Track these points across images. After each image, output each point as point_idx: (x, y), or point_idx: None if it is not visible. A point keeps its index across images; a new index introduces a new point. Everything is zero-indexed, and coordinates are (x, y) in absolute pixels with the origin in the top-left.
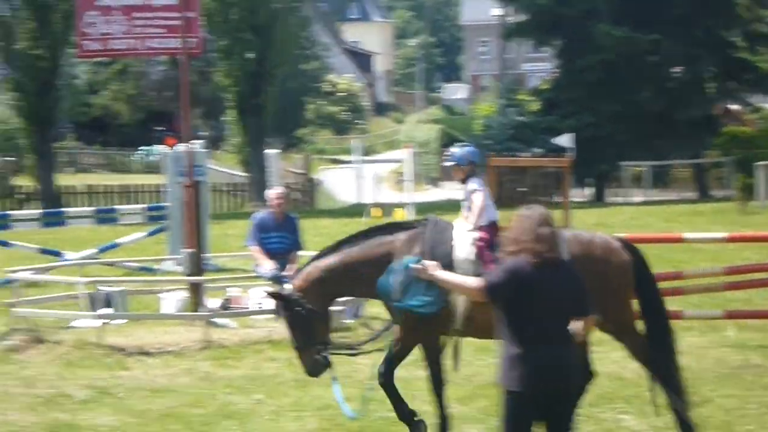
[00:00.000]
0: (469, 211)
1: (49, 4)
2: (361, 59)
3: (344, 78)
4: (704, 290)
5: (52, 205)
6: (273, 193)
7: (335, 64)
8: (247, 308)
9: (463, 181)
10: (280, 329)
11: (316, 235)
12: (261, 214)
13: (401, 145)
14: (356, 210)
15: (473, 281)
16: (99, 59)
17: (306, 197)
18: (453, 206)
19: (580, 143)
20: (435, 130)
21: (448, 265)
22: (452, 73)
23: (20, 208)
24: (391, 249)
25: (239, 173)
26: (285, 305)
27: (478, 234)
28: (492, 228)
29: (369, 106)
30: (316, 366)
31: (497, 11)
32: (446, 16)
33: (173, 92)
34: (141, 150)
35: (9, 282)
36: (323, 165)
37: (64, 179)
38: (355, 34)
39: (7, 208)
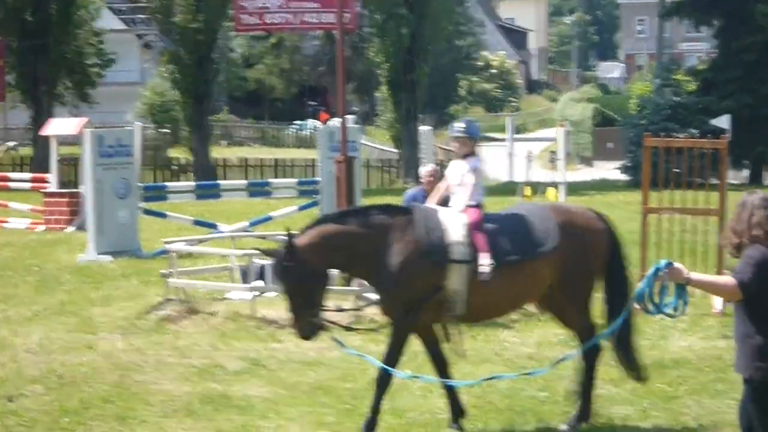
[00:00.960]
0: (460, 188)
1: None
2: (516, 36)
3: (498, 55)
4: None
5: (207, 177)
6: (425, 170)
7: (489, 40)
8: None
9: (465, 156)
10: None
11: None
12: (413, 190)
13: (554, 124)
14: (507, 188)
15: (726, 280)
16: (255, 33)
17: None
18: (606, 186)
19: (737, 124)
20: (589, 109)
21: (444, 250)
22: (607, 52)
23: (175, 180)
24: (390, 231)
25: (391, 149)
26: (284, 263)
27: (466, 216)
28: (478, 209)
29: (522, 84)
30: (310, 329)
31: None
32: None
33: (327, 67)
34: (295, 124)
35: (165, 252)
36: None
37: (219, 152)
38: (509, 10)
39: (163, 179)
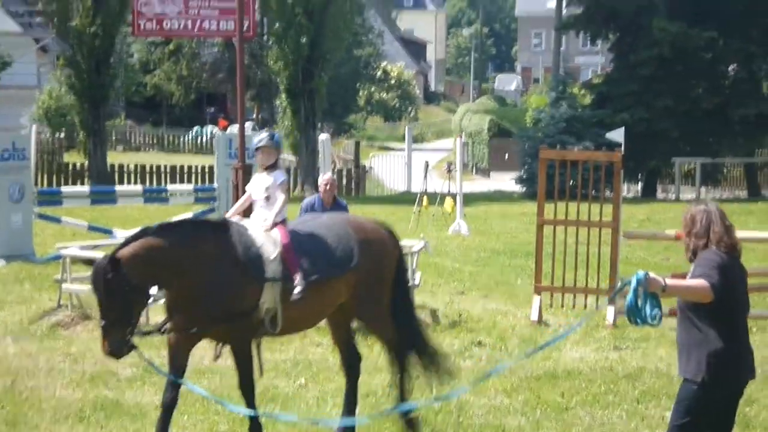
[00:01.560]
0: (268, 204)
1: None
2: (415, 47)
3: (397, 65)
4: (755, 290)
5: (103, 182)
6: (323, 178)
7: (388, 51)
8: None
9: (269, 168)
10: None
11: None
12: (310, 199)
13: (452, 135)
14: (405, 198)
15: (699, 282)
16: (154, 38)
17: (355, 184)
18: (502, 197)
19: (631, 138)
20: (486, 121)
21: (261, 268)
22: (504, 64)
23: (71, 185)
24: (209, 247)
25: (289, 157)
26: (105, 275)
27: (278, 233)
28: (284, 225)
29: (420, 95)
30: (120, 347)
31: (552, 3)
32: (500, 6)
33: (226, 74)
34: (192, 130)
35: (58, 257)
36: (373, 152)
37: (115, 157)
38: (408, 21)
39: (58, 184)
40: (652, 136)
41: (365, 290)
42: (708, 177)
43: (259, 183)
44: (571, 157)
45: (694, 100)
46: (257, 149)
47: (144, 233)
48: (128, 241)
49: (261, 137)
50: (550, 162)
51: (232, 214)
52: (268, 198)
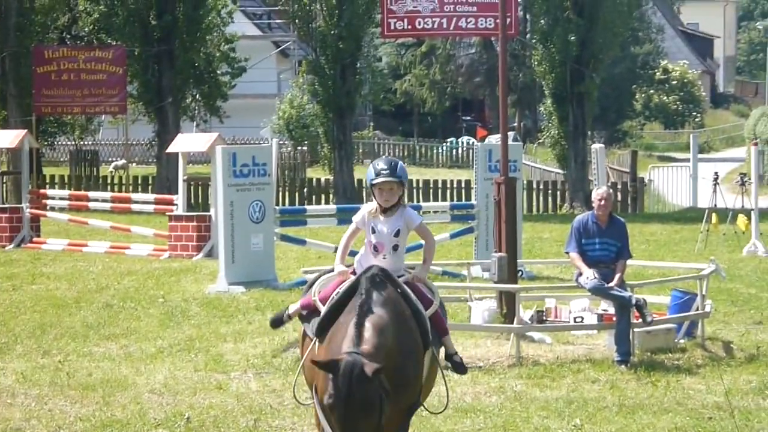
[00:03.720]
0: (396, 254)
1: None
2: (700, 43)
3: (679, 64)
4: None
5: (350, 200)
6: (597, 192)
7: (669, 48)
8: (566, 322)
9: (388, 209)
10: (602, 347)
11: (643, 242)
12: (582, 217)
13: (745, 142)
14: (690, 215)
15: None
16: (403, 40)
17: (632, 199)
18: None
19: None
20: None
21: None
22: None
23: (314, 203)
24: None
25: (556, 170)
26: (367, 385)
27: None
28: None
29: (707, 97)
30: None
31: None
32: None
33: (483, 78)
34: (447, 141)
35: (303, 283)
36: (652, 163)
37: (363, 172)
38: (693, 15)
39: (301, 202)
40: None
41: None
42: None
43: (384, 226)
44: None
45: None
46: (374, 185)
47: (362, 307)
48: (334, 309)
49: (379, 169)
50: None
51: (342, 258)
52: (396, 247)
